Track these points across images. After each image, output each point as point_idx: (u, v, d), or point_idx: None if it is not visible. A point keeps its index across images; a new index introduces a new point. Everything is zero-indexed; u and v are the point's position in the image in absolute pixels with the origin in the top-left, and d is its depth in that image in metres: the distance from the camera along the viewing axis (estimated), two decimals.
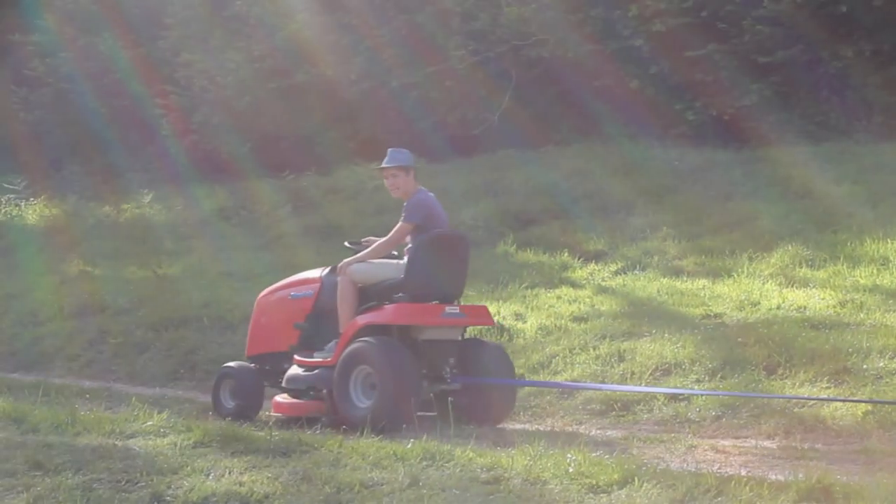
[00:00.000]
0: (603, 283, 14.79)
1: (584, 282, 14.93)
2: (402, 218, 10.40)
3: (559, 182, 19.15)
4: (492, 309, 13.51)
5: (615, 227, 17.02)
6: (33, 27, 27.99)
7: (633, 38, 20.35)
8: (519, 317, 13.37)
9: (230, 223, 21.30)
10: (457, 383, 10.14)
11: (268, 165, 23.30)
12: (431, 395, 10.13)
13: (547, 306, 13.66)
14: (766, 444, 8.94)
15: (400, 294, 10.12)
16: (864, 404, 9.21)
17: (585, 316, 12.97)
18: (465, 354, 10.33)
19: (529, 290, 14.53)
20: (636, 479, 6.78)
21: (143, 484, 7.16)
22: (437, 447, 7.69)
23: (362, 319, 10.12)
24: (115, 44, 26.61)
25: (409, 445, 7.80)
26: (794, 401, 9.60)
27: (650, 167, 19.08)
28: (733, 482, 6.64)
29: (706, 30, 19.70)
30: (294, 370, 10.52)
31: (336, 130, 23.32)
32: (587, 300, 13.77)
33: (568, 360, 11.65)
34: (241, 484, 7.11)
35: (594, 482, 6.85)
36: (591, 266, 15.62)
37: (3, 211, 24.62)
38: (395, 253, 10.71)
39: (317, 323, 10.62)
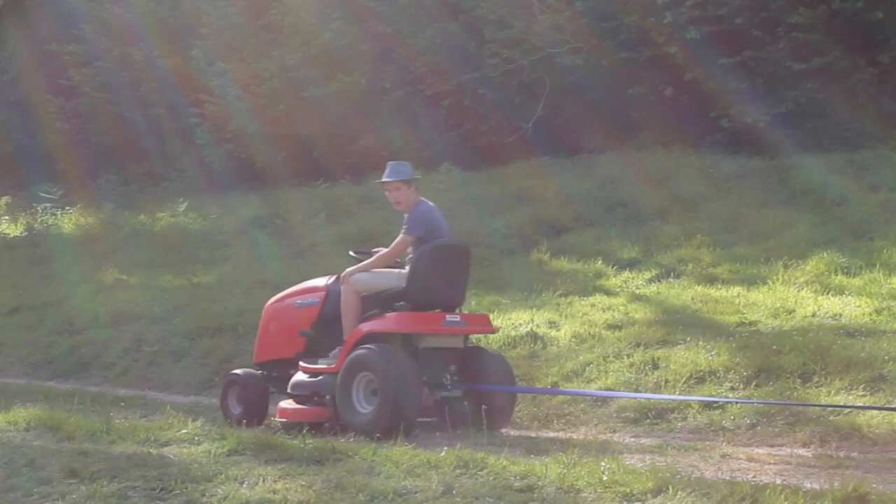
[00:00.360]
0: (637, 291, 14.76)
1: (618, 289, 14.91)
2: (404, 230, 10.68)
3: (593, 190, 19.13)
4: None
5: (649, 235, 16.98)
6: (69, 37, 28.16)
7: (668, 46, 20.28)
8: (553, 325, 13.35)
9: (265, 231, 21.35)
10: (458, 390, 10.37)
11: (302, 174, 23.37)
12: (433, 401, 10.36)
13: (581, 314, 13.64)
14: (802, 452, 8.90)
15: (402, 303, 10.38)
16: None
17: (619, 324, 12.94)
18: (466, 362, 10.59)
19: (563, 298, 14.51)
20: (670, 487, 6.76)
21: (178, 492, 7.19)
22: (470, 455, 7.68)
23: (365, 327, 10.39)
24: (151, 53, 26.74)
25: (443, 453, 7.80)
26: (830, 409, 9.55)
27: (684, 175, 19.03)
28: (768, 490, 6.61)
29: (741, 37, 19.63)
30: (299, 376, 10.80)
31: (370, 139, 23.34)
32: (621, 308, 13.73)
33: (602, 367, 11.63)
34: (275, 492, 7.13)
35: (628, 490, 6.83)
36: (625, 274, 15.58)
37: (39, 220, 24.77)
38: (399, 261, 10.88)
39: (322, 330, 10.86)
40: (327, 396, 10.39)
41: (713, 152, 19.77)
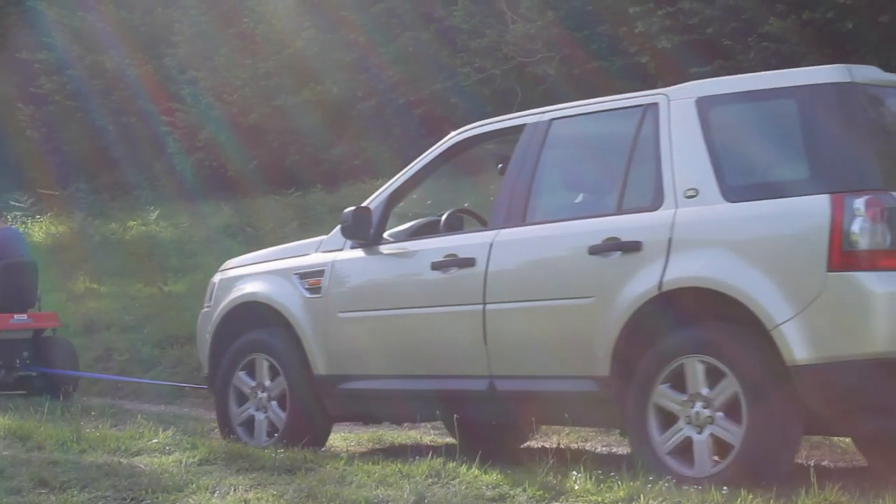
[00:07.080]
0: None
1: None
2: None
3: None
4: None
5: None
6: (40, 45, 28.05)
7: (639, 55, 20.31)
8: None
9: (236, 240, 21.28)
10: (30, 371, 14.20)
11: (274, 182, 23.31)
12: (13, 379, 14.11)
13: None
14: None
15: None
16: None
17: None
18: (39, 348, 14.37)
19: None
20: (642, 496, 6.77)
21: (149, 501, 7.16)
22: (442, 465, 7.67)
23: None
24: (122, 61, 26.65)
25: (415, 463, 7.79)
26: None
27: None
28: (739, 500, 6.63)
29: (712, 47, 19.66)
30: None
31: (342, 147, 23.32)
32: None
33: None
34: (246, 501, 7.11)
35: (600, 499, 6.84)
36: None
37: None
38: None
39: None
40: None
41: None
